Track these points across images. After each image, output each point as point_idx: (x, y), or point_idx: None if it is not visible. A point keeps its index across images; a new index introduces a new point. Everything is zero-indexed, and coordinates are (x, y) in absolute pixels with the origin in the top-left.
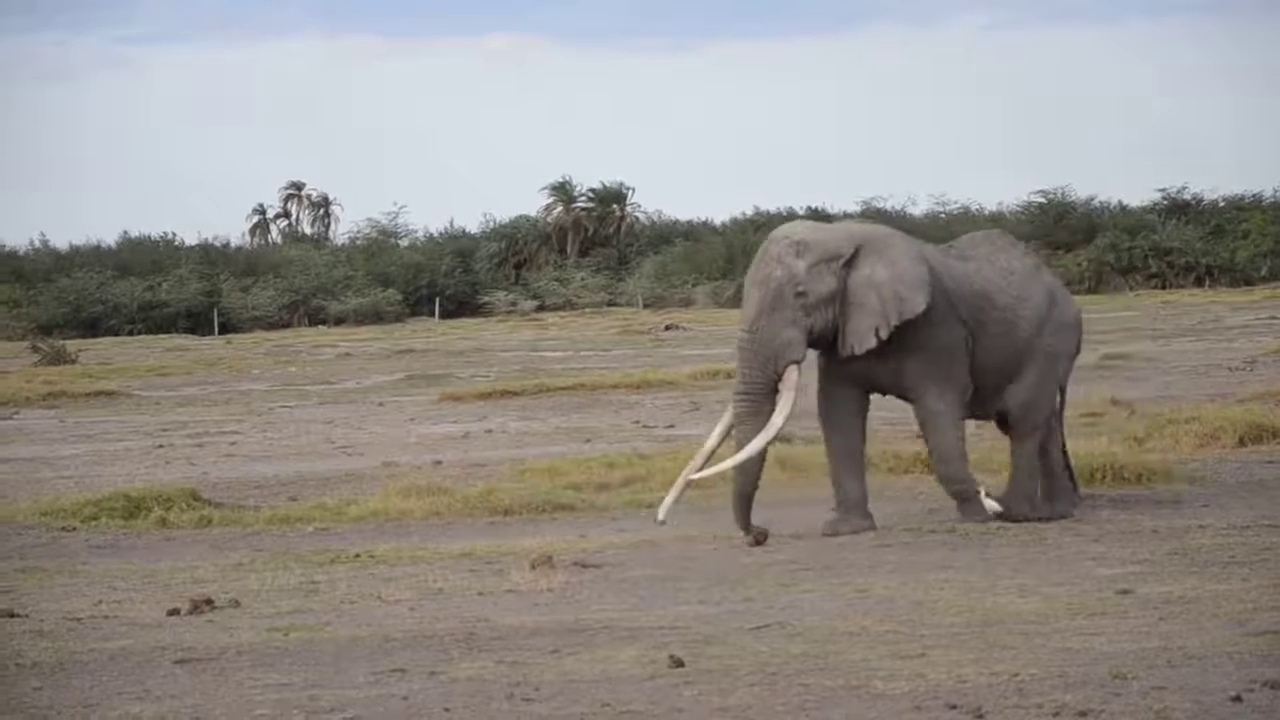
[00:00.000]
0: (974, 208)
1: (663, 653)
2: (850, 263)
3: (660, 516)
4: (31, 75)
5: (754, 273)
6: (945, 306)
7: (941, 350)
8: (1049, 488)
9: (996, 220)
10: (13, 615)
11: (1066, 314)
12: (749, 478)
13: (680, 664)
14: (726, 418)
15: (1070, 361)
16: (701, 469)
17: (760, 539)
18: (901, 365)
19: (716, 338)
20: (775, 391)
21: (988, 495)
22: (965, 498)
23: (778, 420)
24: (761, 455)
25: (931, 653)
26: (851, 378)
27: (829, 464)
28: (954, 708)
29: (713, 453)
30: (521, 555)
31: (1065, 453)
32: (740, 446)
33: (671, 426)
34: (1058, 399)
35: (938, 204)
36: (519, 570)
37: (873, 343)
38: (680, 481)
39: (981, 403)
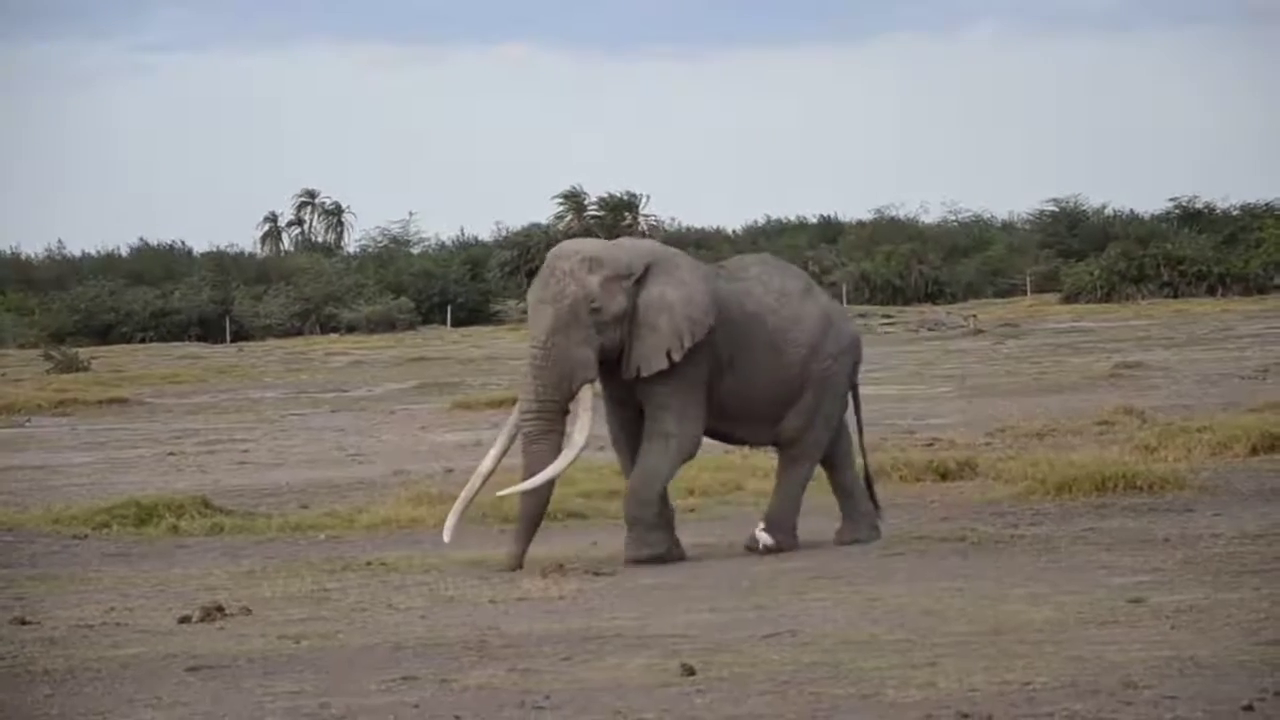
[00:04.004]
0: (986, 216)
1: (674, 661)
2: (641, 281)
3: (445, 538)
4: (46, 83)
5: (543, 289)
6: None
7: (694, 375)
8: (849, 511)
9: (1009, 228)
10: (24, 623)
11: (843, 337)
12: (541, 500)
13: (691, 672)
14: (503, 439)
15: (849, 383)
16: (478, 490)
17: (517, 567)
18: (654, 384)
19: None
20: (567, 411)
21: (763, 530)
22: (642, 523)
23: (579, 440)
24: (554, 478)
25: (942, 661)
26: (627, 400)
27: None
28: (965, 716)
29: (489, 475)
30: (532, 563)
31: (868, 476)
32: (533, 467)
33: None
34: (846, 421)
35: (950, 212)
36: (530, 578)
37: (664, 364)
38: (459, 504)
39: (754, 429)
